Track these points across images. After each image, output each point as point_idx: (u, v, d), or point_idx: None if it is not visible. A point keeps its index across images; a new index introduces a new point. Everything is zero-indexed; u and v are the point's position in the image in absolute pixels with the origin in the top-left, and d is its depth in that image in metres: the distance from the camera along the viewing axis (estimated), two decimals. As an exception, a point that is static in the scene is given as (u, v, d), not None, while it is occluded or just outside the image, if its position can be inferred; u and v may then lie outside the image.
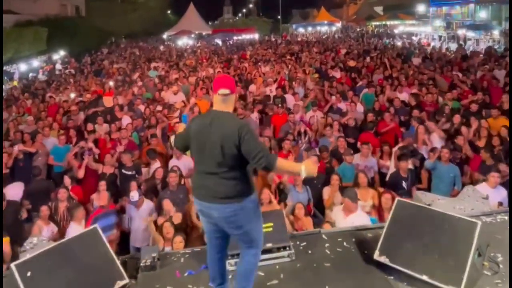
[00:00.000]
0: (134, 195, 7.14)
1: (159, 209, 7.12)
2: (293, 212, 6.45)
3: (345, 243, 4.70)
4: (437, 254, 3.92)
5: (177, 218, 6.70)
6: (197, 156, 3.58)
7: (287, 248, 4.45)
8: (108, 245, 4.28)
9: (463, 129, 9.06)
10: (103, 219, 6.77)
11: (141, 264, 4.39)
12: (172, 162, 8.73)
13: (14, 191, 7.93)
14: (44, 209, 6.97)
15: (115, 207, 7.36)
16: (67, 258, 3.96)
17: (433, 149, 7.95)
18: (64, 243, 4.11)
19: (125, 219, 7.46)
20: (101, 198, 7.24)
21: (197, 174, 3.60)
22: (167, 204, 6.83)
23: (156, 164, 8.66)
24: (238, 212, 3.45)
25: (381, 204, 6.66)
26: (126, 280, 4.12)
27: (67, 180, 8.06)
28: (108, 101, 13.44)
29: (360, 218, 6.19)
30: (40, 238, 4.92)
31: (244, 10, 76.72)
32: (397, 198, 4.57)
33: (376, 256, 4.19)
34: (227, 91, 3.54)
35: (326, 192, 7.31)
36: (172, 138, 9.85)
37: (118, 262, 4.22)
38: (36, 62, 27.08)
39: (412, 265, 3.95)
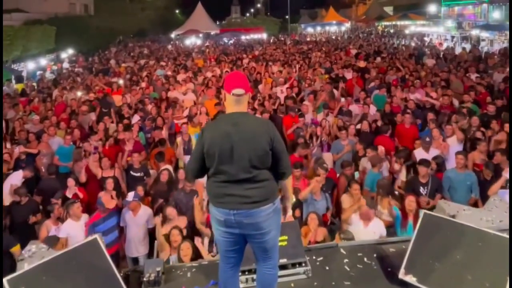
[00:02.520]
0: (130, 195, 6.86)
1: (161, 213, 6.76)
2: (306, 222, 6.10)
3: (365, 259, 4.35)
4: (470, 274, 3.57)
5: (182, 223, 6.40)
6: (219, 165, 3.23)
7: (303, 264, 4.12)
8: (108, 257, 3.95)
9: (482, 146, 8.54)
10: (101, 224, 6.63)
11: (144, 279, 4.09)
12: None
13: (13, 180, 7.86)
14: (58, 208, 6.84)
15: (115, 209, 7.03)
16: (64, 272, 3.67)
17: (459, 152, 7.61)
18: (62, 256, 3.79)
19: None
20: (104, 201, 6.92)
21: (219, 183, 3.27)
22: (170, 211, 6.51)
23: (164, 167, 8.32)
24: (271, 215, 3.28)
25: (404, 209, 6.33)
26: (128, 297, 3.79)
27: (71, 182, 7.83)
28: (117, 100, 13.28)
29: (378, 225, 6.16)
30: (40, 245, 4.59)
31: (252, 10, 76.46)
32: (424, 211, 4.20)
33: (402, 274, 3.83)
34: (241, 91, 3.27)
35: (346, 201, 6.81)
36: (179, 139, 9.60)
37: (119, 277, 3.91)
38: (44, 61, 26.91)
39: (442, 286, 3.60)
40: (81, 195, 7.66)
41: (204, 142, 3.28)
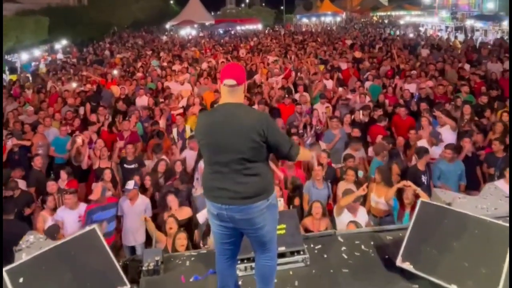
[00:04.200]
0: (130, 183, 6.85)
1: (162, 204, 6.79)
2: (310, 211, 6.12)
3: (363, 247, 4.37)
4: (466, 261, 3.59)
5: (182, 213, 6.41)
6: (210, 156, 3.22)
7: (301, 252, 4.13)
8: (107, 247, 3.95)
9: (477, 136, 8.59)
10: (99, 212, 6.61)
11: (143, 268, 4.09)
12: (187, 153, 8.56)
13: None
14: (50, 199, 6.80)
15: (114, 201, 7.01)
16: (62, 262, 3.66)
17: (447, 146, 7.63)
18: (60, 246, 3.78)
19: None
20: (94, 192, 6.90)
21: (211, 175, 3.24)
22: (171, 199, 6.51)
23: (161, 157, 8.31)
24: (264, 211, 3.19)
25: (403, 200, 6.31)
26: (127, 286, 3.80)
27: (63, 175, 7.76)
28: (115, 90, 13.28)
29: (363, 214, 6.24)
30: (37, 236, 4.58)
31: (247, 0, 76.01)
32: (421, 199, 4.21)
33: (399, 262, 3.85)
34: (232, 81, 3.19)
35: (341, 187, 6.95)
36: (175, 130, 9.61)
37: (118, 266, 3.90)
38: (37, 52, 26.70)
39: (439, 273, 3.62)
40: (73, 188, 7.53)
41: (197, 131, 3.31)
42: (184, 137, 9.41)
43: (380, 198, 6.58)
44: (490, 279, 3.41)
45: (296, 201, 6.86)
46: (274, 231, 3.39)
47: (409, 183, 6.18)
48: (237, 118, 3.13)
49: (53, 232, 5.82)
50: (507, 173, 6.48)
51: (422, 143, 8.26)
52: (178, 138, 9.56)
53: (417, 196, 6.06)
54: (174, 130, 9.80)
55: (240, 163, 3.12)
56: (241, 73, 3.28)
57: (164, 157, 8.32)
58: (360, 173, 7.23)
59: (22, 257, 3.99)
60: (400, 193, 6.32)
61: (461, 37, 26.47)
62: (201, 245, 5.71)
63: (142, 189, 7.37)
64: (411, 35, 29.03)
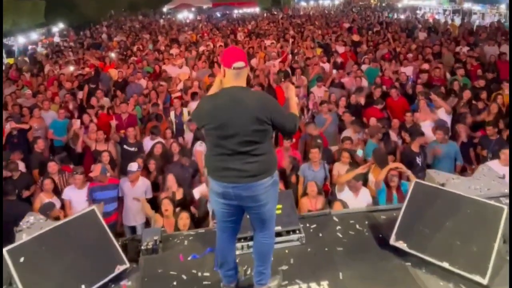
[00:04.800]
0: (134, 165, 6.92)
1: (163, 185, 6.89)
2: (305, 191, 6.22)
3: (357, 226, 4.45)
4: (458, 240, 3.67)
5: (180, 193, 6.50)
6: (216, 138, 3.26)
7: (297, 232, 4.22)
8: (106, 227, 4.01)
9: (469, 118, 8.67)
10: (98, 191, 6.76)
11: (142, 247, 4.17)
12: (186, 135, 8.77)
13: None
14: (48, 182, 6.84)
15: (115, 182, 7.11)
16: (63, 242, 3.71)
17: (437, 128, 7.70)
18: (60, 226, 3.84)
19: None
20: (94, 170, 7.01)
21: (217, 156, 3.29)
22: (170, 179, 6.59)
23: (157, 140, 8.37)
24: (269, 188, 3.29)
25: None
26: (127, 265, 3.88)
27: (52, 167, 7.49)
28: (113, 73, 13.26)
29: (366, 194, 6.33)
30: (38, 217, 4.65)
31: (245, -17, 75.31)
32: (415, 180, 4.29)
33: (393, 241, 3.94)
34: (242, 63, 3.25)
35: (336, 168, 7.12)
36: (172, 113, 9.67)
37: (118, 245, 3.97)
38: (34, 35, 26.56)
39: (431, 251, 3.72)
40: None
41: (202, 114, 3.31)
42: (181, 120, 9.44)
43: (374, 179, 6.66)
44: (481, 257, 3.50)
45: (293, 178, 6.96)
46: (274, 209, 3.49)
47: (400, 165, 6.28)
48: (243, 101, 3.18)
49: (46, 209, 5.90)
50: (502, 155, 6.57)
51: (425, 125, 8.35)
52: (176, 121, 9.61)
53: (400, 178, 6.16)
54: (172, 113, 9.85)
55: (248, 144, 3.19)
56: (245, 56, 3.37)
57: (160, 139, 8.38)
58: (360, 152, 7.32)
59: (22, 237, 4.05)
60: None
61: (458, 20, 26.33)
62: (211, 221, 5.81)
63: (147, 171, 7.45)
64: (407, 18, 28.92)
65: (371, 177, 6.73)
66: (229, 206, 3.37)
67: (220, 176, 3.28)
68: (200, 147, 7.75)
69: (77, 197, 6.71)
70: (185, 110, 9.79)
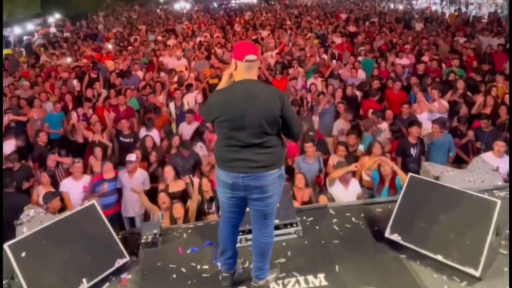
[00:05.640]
0: (132, 155, 6.99)
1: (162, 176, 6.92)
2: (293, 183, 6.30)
3: (353, 219, 4.53)
4: (452, 233, 3.75)
5: (176, 185, 6.52)
6: (229, 130, 3.29)
7: (294, 225, 4.29)
8: (106, 221, 4.07)
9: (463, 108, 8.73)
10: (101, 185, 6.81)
11: (142, 241, 4.24)
12: (184, 127, 8.75)
13: (6, 149, 7.87)
14: (45, 175, 6.88)
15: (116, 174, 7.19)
16: (64, 236, 3.77)
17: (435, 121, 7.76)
18: (61, 221, 3.89)
19: None
20: (95, 166, 7.14)
21: (228, 147, 3.33)
22: (168, 170, 6.63)
23: (153, 132, 8.44)
24: (277, 179, 3.37)
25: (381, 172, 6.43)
26: (127, 258, 3.95)
27: (51, 160, 7.60)
28: (108, 65, 13.21)
29: (356, 185, 6.42)
30: (38, 210, 4.70)
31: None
32: (410, 174, 4.35)
33: (388, 233, 4.02)
34: (254, 56, 3.31)
35: (332, 159, 7.21)
36: (171, 105, 9.67)
37: (117, 239, 4.04)
38: (30, 26, 26.44)
39: (425, 244, 3.79)
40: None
41: (214, 108, 3.35)
42: (182, 111, 9.48)
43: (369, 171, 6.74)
44: (474, 250, 3.57)
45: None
46: (276, 203, 3.53)
47: (384, 159, 6.34)
48: (256, 94, 3.24)
49: (49, 198, 5.96)
50: (495, 146, 6.63)
51: (422, 117, 8.41)
52: (176, 112, 9.63)
53: (394, 172, 6.22)
54: (171, 104, 9.86)
55: (259, 136, 3.25)
56: (257, 49, 3.44)
57: (154, 131, 8.46)
58: (361, 146, 7.37)
59: (23, 230, 4.12)
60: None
61: (453, 10, 26.29)
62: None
63: (147, 163, 7.52)
64: (404, 8, 28.88)
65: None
66: (236, 198, 3.44)
67: (231, 166, 3.33)
68: (201, 151, 7.75)
69: (74, 189, 6.78)
70: (185, 101, 9.81)
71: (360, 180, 6.87)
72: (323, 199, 5.63)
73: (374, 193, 6.51)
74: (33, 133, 8.94)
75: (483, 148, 7.37)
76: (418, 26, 18.41)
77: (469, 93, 9.35)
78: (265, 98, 3.24)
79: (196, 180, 6.31)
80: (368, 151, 7.03)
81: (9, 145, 8.05)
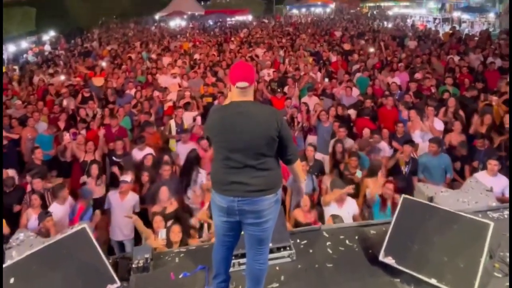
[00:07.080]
0: (127, 176, 6.91)
1: (154, 197, 6.74)
2: (298, 205, 6.25)
3: (347, 241, 4.49)
4: (446, 256, 3.73)
5: (171, 206, 6.45)
6: (225, 152, 3.28)
7: (288, 248, 4.25)
8: (97, 245, 4.02)
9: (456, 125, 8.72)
10: (87, 213, 6.76)
11: (133, 265, 4.17)
12: (179, 146, 8.72)
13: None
14: (35, 198, 6.75)
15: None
16: (53, 262, 3.73)
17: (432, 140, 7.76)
18: (51, 246, 3.85)
19: None
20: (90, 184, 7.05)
21: (225, 169, 3.30)
22: (163, 192, 6.50)
23: (146, 151, 8.34)
24: (273, 204, 3.33)
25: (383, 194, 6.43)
26: (118, 284, 3.89)
27: (37, 184, 7.35)
28: (98, 81, 13.15)
29: (352, 204, 6.38)
30: (27, 233, 4.65)
31: (237, -10, 75.40)
32: (403, 196, 4.33)
33: (382, 257, 3.99)
34: (245, 84, 3.28)
35: (325, 181, 7.18)
36: (172, 122, 9.60)
37: (108, 264, 3.98)
38: (25, 43, 26.50)
39: (420, 268, 3.77)
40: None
41: (212, 125, 3.35)
42: (182, 129, 9.44)
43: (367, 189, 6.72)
44: (468, 273, 3.55)
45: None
46: (272, 229, 3.47)
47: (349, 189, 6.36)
48: (252, 115, 3.22)
49: (43, 217, 5.90)
50: (488, 165, 6.63)
51: (415, 135, 8.42)
52: (177, 130, 9.59)
53: (396, 190, 6.21)
54: (172, 122, 9.80)
55: (256, 158, 3.22)
56: (252, 73, 3.37)
57: (150, 150, 8.38)
58: (359, 173, 7.31)
59: (12, 254, 4.07)
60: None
61: (447, 29, 26.55)
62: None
63: (139, 185, 7.41)
64: (398, 26, 29.14)
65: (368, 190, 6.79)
66: (230, 222, 3.40)
67: (226, 190, 3.29)
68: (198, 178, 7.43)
69: (60, 214, 6.53)
70: (184, 119, 9.80)
71: (364, 198, 6.87)
72: (330, 222, 5.54)
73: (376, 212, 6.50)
74: (27, 152, 8.84)
75: (480, 167, 7.35)
76: (412, 44, 18.57)
77: (460, 112, 9.37)
78: (261, 118, 3.21)
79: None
80: (370, 173, 6.99)
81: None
